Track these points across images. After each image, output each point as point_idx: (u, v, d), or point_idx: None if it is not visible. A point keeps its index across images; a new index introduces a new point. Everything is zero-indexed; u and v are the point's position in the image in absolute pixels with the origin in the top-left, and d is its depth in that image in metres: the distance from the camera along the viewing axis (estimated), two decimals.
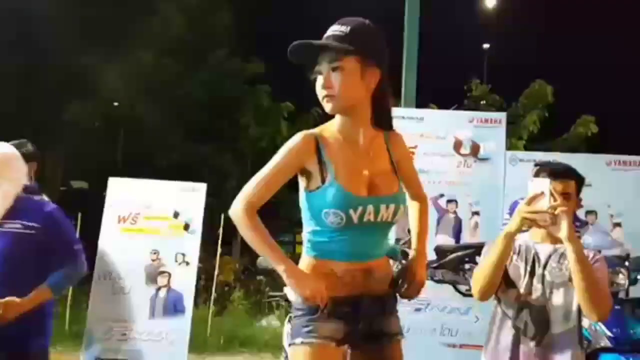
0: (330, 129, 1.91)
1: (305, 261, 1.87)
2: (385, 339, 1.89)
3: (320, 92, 1.85)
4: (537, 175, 2.28)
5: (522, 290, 2.23)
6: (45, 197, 3.21)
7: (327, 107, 1.86)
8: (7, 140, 3.44)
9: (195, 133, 10.50)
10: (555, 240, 2.23)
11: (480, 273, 2.24)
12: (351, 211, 1.78)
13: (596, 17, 15.13)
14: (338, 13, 1.99)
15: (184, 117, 10.39)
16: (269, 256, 1.83)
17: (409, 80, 6.31)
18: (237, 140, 11.23)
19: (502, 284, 2.25)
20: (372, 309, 1.86)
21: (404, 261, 3.27)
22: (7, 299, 2.41)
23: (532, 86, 9.75)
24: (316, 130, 1.89)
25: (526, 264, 2.26)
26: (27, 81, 9.14)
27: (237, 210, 1.81)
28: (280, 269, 1.78)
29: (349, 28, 1.84)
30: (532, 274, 2.24)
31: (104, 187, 4.65)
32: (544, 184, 2.15)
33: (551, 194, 2.12)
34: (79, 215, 6.34)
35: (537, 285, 2.22)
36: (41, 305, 2.53)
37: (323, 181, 1.80)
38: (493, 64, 14.58)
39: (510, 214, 5.18)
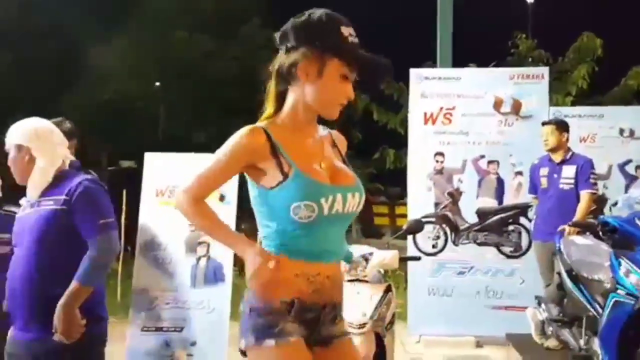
0: (279, 124, 1.76)
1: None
2: (335, 339, 1.80)
3: (341, 98, 1.74)
4: None
5: None
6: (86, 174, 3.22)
7: (336, 113, 1.76)
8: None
9: (231, 107, 10.56)
10: None
11: None
12: (322, 200, 1.67)
13: None
14: None
15: (220, 92, 10.45)
16: (220, 239, 1.79)
17: (443, 38, 6.11)
18: None
19: None
20: (328, 317, 1.79)
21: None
22: (59, 332, 2.28)
23: (579, 39, 9.26)
24: (262, 124, 1.75)
25: None
26: (66, 65, 9.38)
27: (180, 202, 1.77)
28: (238, 249, 1.74)
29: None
30: None
31: None
32: None
33: None
34: (124, 192, 6.53)
35: None
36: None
37: (285, 175, 1.68)
38: (538, 18, 13.96)
39: (532, 178, 4.97)
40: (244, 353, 1.77)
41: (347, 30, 1.71)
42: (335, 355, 1.81)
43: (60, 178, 2.48)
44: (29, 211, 2.47)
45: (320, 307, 1.77)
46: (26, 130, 2.49)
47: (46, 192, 2.45)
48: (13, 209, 3.15)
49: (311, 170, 1.72)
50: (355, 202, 1.77)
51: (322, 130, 1.88)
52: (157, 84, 12.36)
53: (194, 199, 1.77)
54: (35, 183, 2.46)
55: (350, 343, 1.89)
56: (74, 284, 2.32)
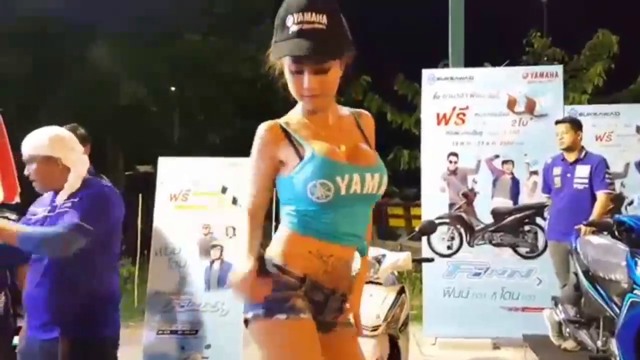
0: (295, 116, 1.81)
1: (287, 234, 1.76)
2: (337, 327, 1.82)
3: (299, 90, 1.71)
4: None
5: None
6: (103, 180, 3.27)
7: (310, 104, 1.75)
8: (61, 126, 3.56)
9: (245, 108, 10.61)
10: None
11: None
12: (338, 179, 1.67)
13: None
14: None
15: (233, 93, 10.51)
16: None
17: (455, 38, 6.08)
18: (286, 112, 11.28)
19: None
20: (335, 304, 1.80)
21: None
22: None
23: (595, 37, 9.15)
24: (278, 120, 1.80)
25: None
26: (80, 69, 9.47)
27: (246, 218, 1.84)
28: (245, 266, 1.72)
29: (324, 17, 1.63)
30: None
31: None
32: None
33: None
34: (140, 196, 6.58)
35: None
36: (103, 295, 2.43)
37: (301, 158, 1.71)
38: (553, 16, 13.82)
39: (545, 178, 4.93)
40: (247, 322, 1.76)
41: (291, 19, 1.65)
42: (335, 341, 1.81)
43: (84, 183, 2.52)
44: (48, 214, 2.49)
45: (330, 291, 1.77)
46: (54, 141, 2.48)
47: (70, 197, 2.48)
48: (7, 215, 3.22)
49: (327, 150, 1.73)
50: (374, 183, 1.76)
51: (344, 111, 1.88)
52: (173, 88, 12.45)
53: (251, 215, 1.82)
54: (68, 190, 2.48)
55: (352, 333, 1.88)
56: (25, 228, 2.34)
